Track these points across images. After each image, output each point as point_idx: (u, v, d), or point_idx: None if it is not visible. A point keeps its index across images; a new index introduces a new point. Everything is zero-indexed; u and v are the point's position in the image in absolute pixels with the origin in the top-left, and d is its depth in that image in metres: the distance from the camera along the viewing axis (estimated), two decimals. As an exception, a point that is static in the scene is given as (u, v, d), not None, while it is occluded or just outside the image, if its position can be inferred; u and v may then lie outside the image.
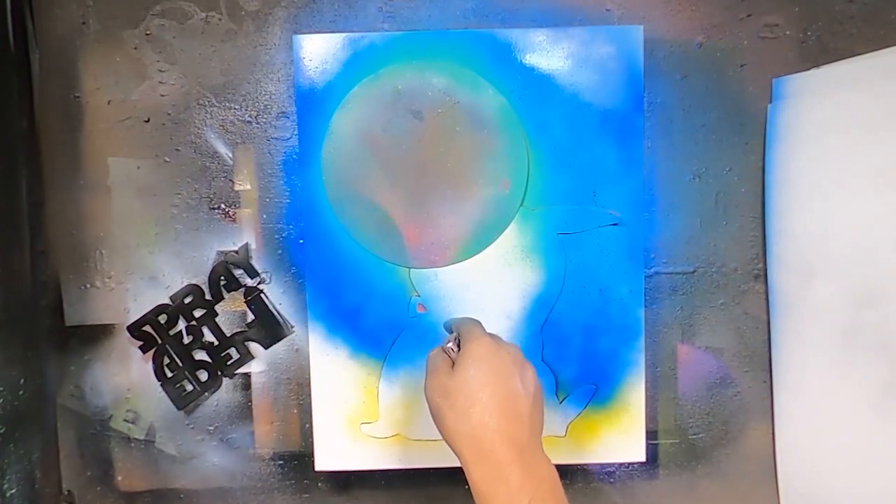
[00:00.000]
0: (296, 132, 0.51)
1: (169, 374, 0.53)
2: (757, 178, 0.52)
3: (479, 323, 0.45)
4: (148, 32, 0.51)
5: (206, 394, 0.53)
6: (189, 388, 0.53)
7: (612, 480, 0.55)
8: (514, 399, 0.39)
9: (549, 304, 0.52)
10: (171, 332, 0.53)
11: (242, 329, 0.53)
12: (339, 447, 0.53)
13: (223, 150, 0.52)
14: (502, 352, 0.41)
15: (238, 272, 0.53)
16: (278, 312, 0.53)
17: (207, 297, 0.53)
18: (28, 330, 0.51)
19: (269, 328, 0.53)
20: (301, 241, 0.52)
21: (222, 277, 0.52)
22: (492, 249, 0.51)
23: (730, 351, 0.54)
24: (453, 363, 0.41)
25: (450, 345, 0.43)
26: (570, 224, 0.51)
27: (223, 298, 0.53)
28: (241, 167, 0.52)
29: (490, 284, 0.52)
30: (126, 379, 0.53)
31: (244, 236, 0.52)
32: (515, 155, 0.51)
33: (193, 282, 0.53)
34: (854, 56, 0.49)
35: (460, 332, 0.43)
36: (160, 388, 0.53)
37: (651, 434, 0.54)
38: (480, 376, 0.39)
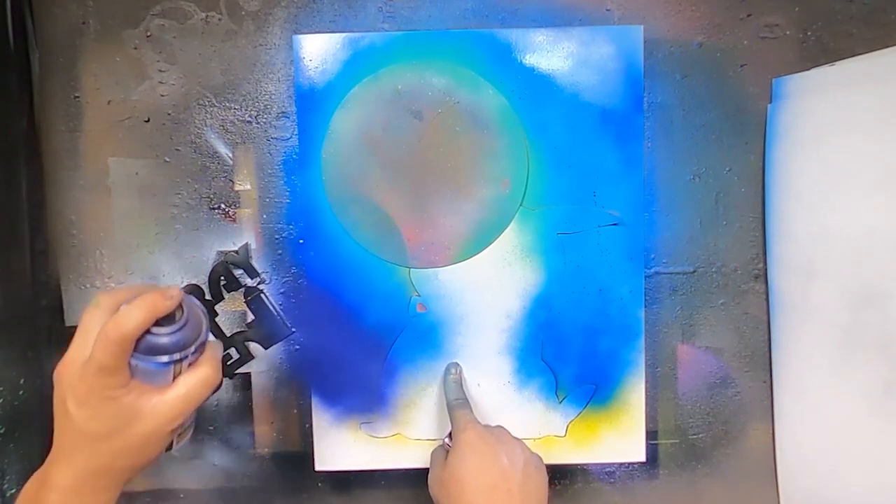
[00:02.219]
0: (296, 132, 0.51)
1: (169, 374, 0.53)
2: (757, 178, 0.52)
3: (468, 407, 0.48)
4: (148, 32, 0.51)
5: (206, 394, 0.53)
6: (189, 388, 0.53)
7: (612, 480, 0.55)
8: (501, 476, 0.42)
9: (548, 303, 0.52)
10: (171, 332, 0.53)
11: (242, 329, 0.53)
12: (339, 447, 0.53)
13: (223, 150, 0.52)
14: (486, 435, 0.44)
15: (238, 272, 0.53)
16: (278, 312, 0.53)
17: (207, 297, 0.53)
18: (28, 330, 0.51)
19: (269, 328, 0.53)
20: (301, 241, 0.52)
21: (222, 277, 0.52)
22: (492, 249, 0.52)
23: (730, 351, 0.54)
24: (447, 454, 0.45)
25: (446, 440, 0.47)
26: (569, 224, 0.51)
27: (223, 298, 0.53)
28: (241, 167, 0.52)
29: (490, 284, 0.52)
30: (126, 379, 0.53)
31: (244, 236, 0.52)
32: (515, 155, 0.51)
33: (193, 282, 0.53)
34: (854, 56, 0.49)
35: (451, 422, 0.47)
36: (160, 388, 0.53)
37: (651, 434, 0.54)
38: (466, 463, 0.43)
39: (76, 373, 0.35)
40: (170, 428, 0.37)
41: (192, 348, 0.37)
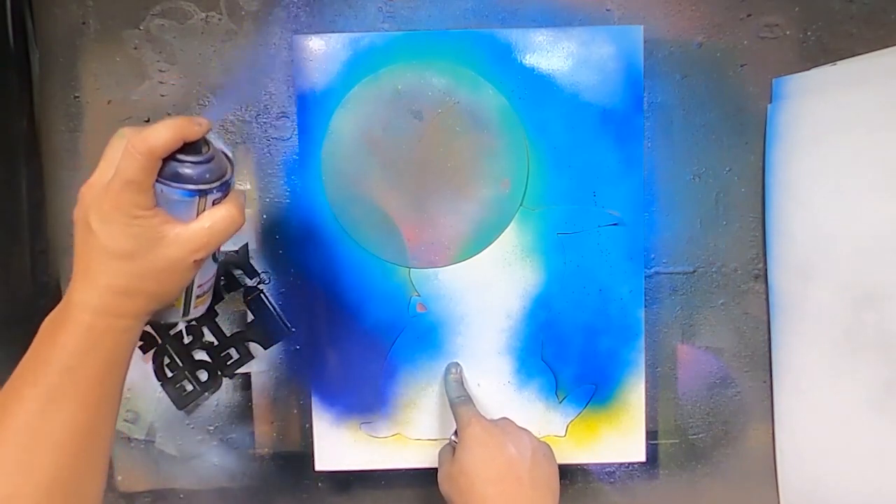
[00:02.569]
0: (296, 132, 0.51)
1: (169, 374, 0.53)
2: (757, 178, 0.52)
3: (471, 403, 0.48)
4: (148, 32, 0.51)
5: (206, 394, 0.53)
6: (189, 388, 0.53)
7: (612, 480, 0.55)
8: (508, 466, 0.42)
9: (548, 303, 0.52)
10: (171, 332, 0.53)
11: (242, 329, 0.53)
12: (339, 447, 0.53)
13: (223, 150, 0.52)
14: (491, 427, 0.45)
15: (238, 272, 0.53)
16: (278, 312, 0.53)
17: (207, 297, 0.53)
18: (28, 330, 0.51)
19: (269, 328, 0.53)
20: (301, 241, 0.52)
21: (222, 277, 0.52)
22: (492, 249, 0.52)
23: (730, 351, 0.54)
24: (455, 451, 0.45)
25: (453, 437, 0.47)
26: (570, 224, 0.51)
27: (223, 298, 0.53)
28: (241, 167, 0.52)
29: (490, 284, 0.52)
30: (126, 379, 0.53)
31: (244, 236, 0.52)
32: (515, 155, 0.51)
33: (193, 282, 0.53)
34: (854, 56, 0.49)
35: (456, 419, 0.47)
36: (160, 388, 0.53)
37: (651, 434, 0.54)
38: (473, 456, 0.43)
39: (100, 191, 0.35)
40: (192, 258, 0.37)
41: (218, 184, 0.37)
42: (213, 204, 0.38)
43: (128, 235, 0.35)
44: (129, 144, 0.34)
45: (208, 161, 0.37)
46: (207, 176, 0.37)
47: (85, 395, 0.36)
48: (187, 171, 0.36)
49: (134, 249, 0.35)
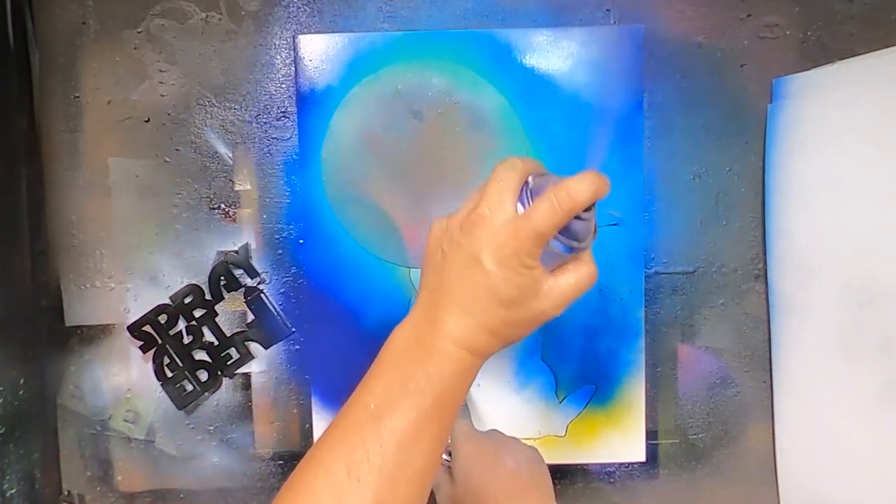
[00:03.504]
0: (296, 132, 0.51)
1: (169, 374, 0.53)
2: (757, 178, 0.52)
3: (467, 416, 0.48)
4: (148, 32, 0.51)
5: (206, 394, 0.53)
6: (189, 388, 0.53)
7: (612, 480, 0.55)
8: (511, 477, 0.43)
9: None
10: (171, 332, 0.53)
11: (242, 329, 0.53)
12: (339, 447, 0.52)
13: (223, 150, 0.52)
14: (484, 443, 0.45)
15: (238, 272, 0.53)
16: (278, 312, 0.53)
17: (207, 297, 0.53)
18: (28, 330, 0.51)
19: (269, 328, 0.53)
20: (301, 241, 0.52)
21: (222, 277, 0.52)
22: (492, 249, 0.51)
23: (730, 351, 0.54)
24: (451, 472, 0.45)
25: (445, 456, 0.46)
26: (570, 224, 0.51)
27: (223, 298, 0.53)
28: (241, 167, 0.52)
29: (490, 284, 0.52)
30: (126, 379, 0.53)
31: (244, 236, 0.52)
32: (515, 155, 0.51)
33: (193, 282, 0.53)
34: (854, 56, 0.49)
35: (450, 438, 0.46)
36: (160, 388, 0.53)
37: (651, 434, 0.54)
38: (475, 476, 0.43)
39: (501, 229, 0.34)
40: (555, 312, 0.36)
41: (590, 241, 0.37)
42: (573, 260, 0.37)
43: (515, 284, 0.35)
44: (552, 199, 0.34)
45: (591, 217, 0.36)
46: (586, 233, 0.36)
47: (444, 428, 0.35)
48: (578, 226, 0.35)
49: (517, 298, 0.35)
